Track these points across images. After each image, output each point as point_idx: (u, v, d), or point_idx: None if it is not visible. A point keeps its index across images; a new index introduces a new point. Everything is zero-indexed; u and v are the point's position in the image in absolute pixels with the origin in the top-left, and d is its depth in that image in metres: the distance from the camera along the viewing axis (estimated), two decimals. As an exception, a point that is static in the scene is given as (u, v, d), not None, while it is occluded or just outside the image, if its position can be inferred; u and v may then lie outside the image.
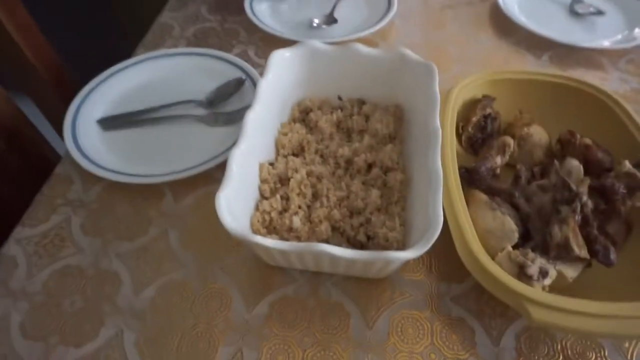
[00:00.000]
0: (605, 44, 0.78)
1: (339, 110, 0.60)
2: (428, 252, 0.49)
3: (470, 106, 0.60)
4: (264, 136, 0.54)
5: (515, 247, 0.46)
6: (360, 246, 0.49)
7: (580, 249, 0.43)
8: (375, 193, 0.50)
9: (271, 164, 0.53)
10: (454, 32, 0.83)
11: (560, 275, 0.44)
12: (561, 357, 0.44)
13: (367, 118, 0.60)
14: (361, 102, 0.62)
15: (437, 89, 0.53)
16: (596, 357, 0.45)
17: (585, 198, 0.45)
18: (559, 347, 0.45)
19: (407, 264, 0.51)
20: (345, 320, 0.47)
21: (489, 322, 0.47)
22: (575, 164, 0.48)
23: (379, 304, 0.48)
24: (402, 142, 0.58)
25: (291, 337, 0.46)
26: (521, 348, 0.45)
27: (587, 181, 0.47)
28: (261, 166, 0.52)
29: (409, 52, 0.57)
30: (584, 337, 0.45)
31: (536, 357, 0.44)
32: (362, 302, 0.48)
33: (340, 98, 0.63)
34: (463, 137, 0.58)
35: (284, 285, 0.49)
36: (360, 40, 0.76)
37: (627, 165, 0.49)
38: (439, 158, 0.46)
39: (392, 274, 0.50)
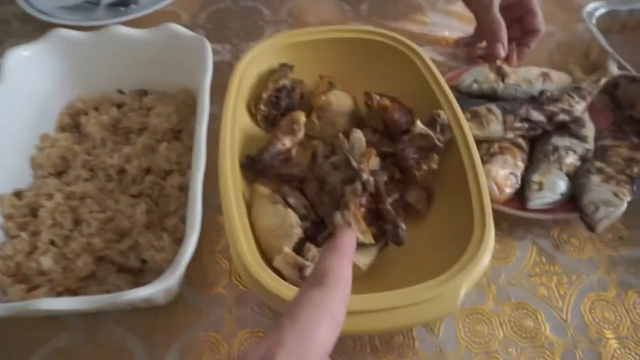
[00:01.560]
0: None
1: (114, 108, 0.51)
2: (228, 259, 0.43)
3: (268, 78, 0.53)
4: (5, 159, 0.44)
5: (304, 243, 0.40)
6: (138, 272, 0.42)
7: (364, 235, 0.39)
8: (140, 208, 0.42)
9: (18, 193, 0.44)
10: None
11: (352, 265, 0.40)
12: (369, 349, 0.41)
13: (149, 112, 0.51)
14: (142, 94, 0.53)
15: (208, 65, 0.46)
16: (404, 339, 0.42)
17: (365, 176, 0.40)
18: (366, 338, 0.42)
19: (204, 276, 0.44)
20: (127, 363, 0.40)
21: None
22: (357, 135, 0.43)
23: (169, 333, 0.41)
24: (192, 136, 0.50)
25: (62, 398, 0.38)
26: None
27: (373, 153, 0.42)
28: (1, 200, 0.42)
29: (178, 28, 0.49)
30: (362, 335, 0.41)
31: (344, 354, 0.40)
32: (150, 335, 0.41)
33: (121, 92, 0.54)
34: (258, 117, 0.51)
35: (54, 337, 0.41)
36: (159, 14, 0.66)
37: (419, 125, 0.45)
38: (200, 148, 0.39)
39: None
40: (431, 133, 0.45)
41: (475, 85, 0.53)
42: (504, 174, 0.46)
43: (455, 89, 0.52)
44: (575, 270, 0.46)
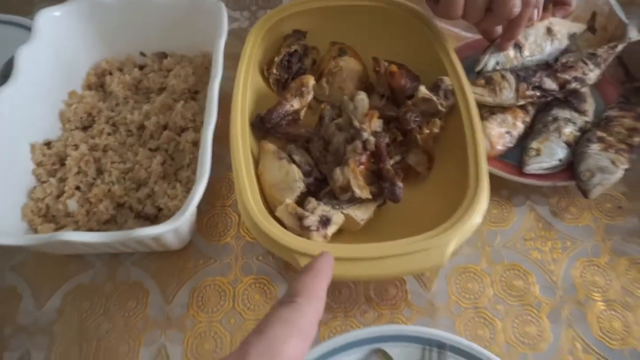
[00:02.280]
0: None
1: (136, 69, 0.54)
2: (238, 213, 0.46)
3: (281, 44, 0.55)
4: (37, 112, 0.48)
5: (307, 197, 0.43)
6: (154, 218, 0.46)
7: (361, 190, 0.41)
8: (156, 160, 0.45)
9: (48, 143, 0.48)
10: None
11: (350, 219, 0.42)
12: (364, 299, 0.44)
13: (168, 73, 0.54)
14: (162, 56, 0.56)
15: (224, 27, 0.48)
16: (398, 292, 0.44)
17: (366, 135, 0.42)
18: (361, 289, 0.44)
19: (215, 227, 0.48)
20: (143, 299, 0.44)
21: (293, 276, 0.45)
22: (360, 97, 0.45)
23: (181, 276, 0.45)
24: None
25: (85, 327, 0.43)
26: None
27: (375, 114, 0.44)
28: (33, 148, 0.46)
29: (196, -8, 0.51)
30: (354, 281, 0.44)
31: (340, 303, 0.43)
32: (163, 277, 0.45)
33: (143, 54, 0.57)
34: (271, 80, 0.53)
35: (79, 273, 0.46)
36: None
37: (423, 90, 0.46)
38: (212, 102, 0.42)
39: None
40: (434, 98, 0.46)
41: (498, 67, 0.52)
42: (499, 131, 0.48)
43: (478, 73, 0.52)
44: (570, 237, 0.47)
